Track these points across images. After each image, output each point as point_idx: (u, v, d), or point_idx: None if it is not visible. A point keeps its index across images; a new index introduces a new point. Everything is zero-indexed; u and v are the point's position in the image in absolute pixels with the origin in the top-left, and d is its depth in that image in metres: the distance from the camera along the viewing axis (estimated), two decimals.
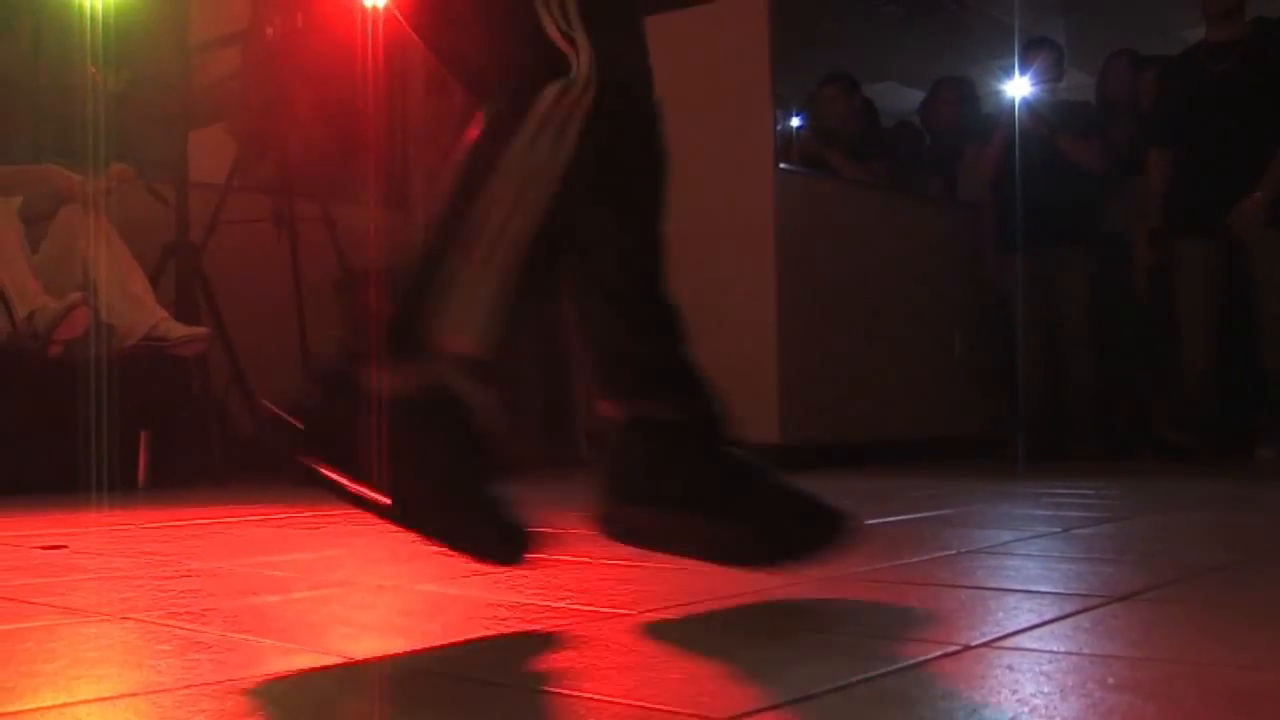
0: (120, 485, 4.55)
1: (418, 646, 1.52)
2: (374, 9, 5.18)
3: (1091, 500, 3.65)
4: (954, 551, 2.44)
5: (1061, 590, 1.93)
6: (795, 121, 7.34)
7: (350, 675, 1.37)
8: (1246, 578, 2.18)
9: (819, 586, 2.06)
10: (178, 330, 4.99)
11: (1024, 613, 1.71)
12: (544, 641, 1.53)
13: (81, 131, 5.54)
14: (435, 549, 1.61)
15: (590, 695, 1.23)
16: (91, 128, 5.49)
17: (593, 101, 1.73)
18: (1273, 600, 1.91)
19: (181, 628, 1.64)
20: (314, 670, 1.39)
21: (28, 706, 1.23)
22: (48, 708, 1.22)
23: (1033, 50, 6.37)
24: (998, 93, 7.06)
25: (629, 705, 1.19)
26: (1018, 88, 6.30)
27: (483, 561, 1.69)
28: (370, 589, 2.05)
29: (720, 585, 2.08)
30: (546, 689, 1.26)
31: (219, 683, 1.31)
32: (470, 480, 1.59)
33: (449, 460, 1.55)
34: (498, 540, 1.65)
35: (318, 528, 3.05)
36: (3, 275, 4.76)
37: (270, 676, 1.36)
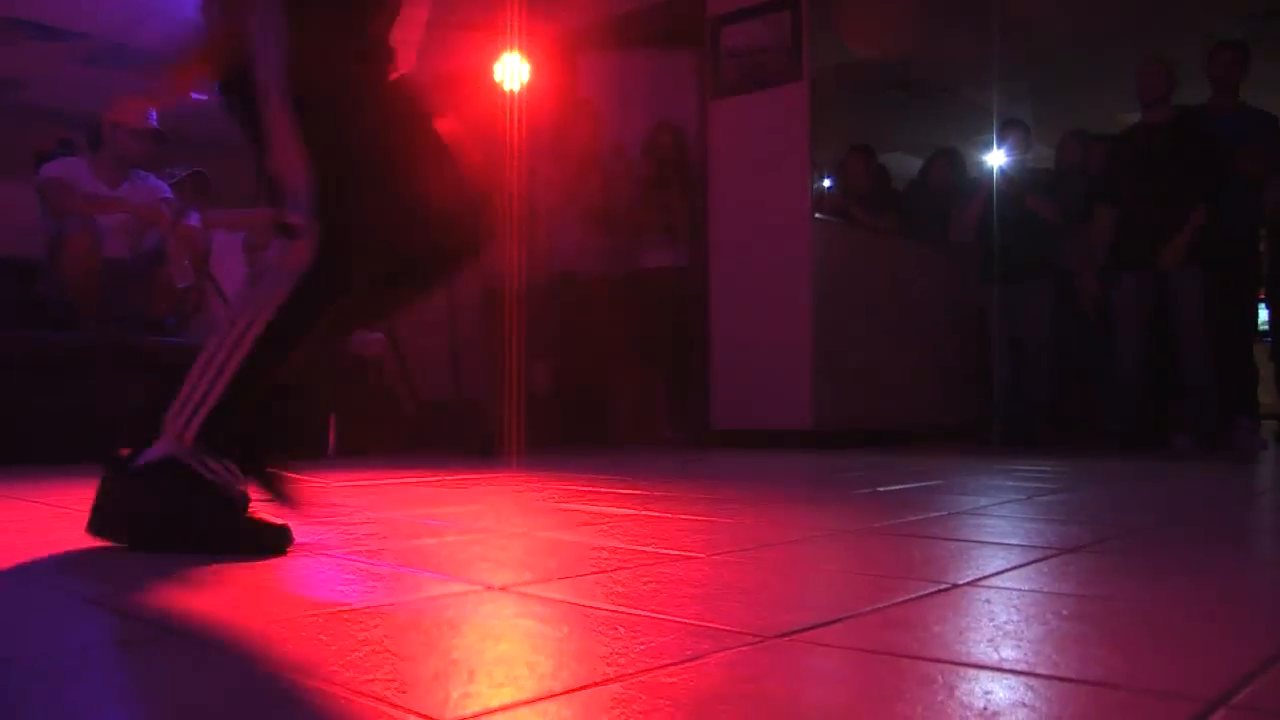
0: (315, 455, 4.60)
1: (540, 578, 1.54)
2: (511, 93, 5.22)
3: (1049, 475, 3.61)
4: (944, 512, 2.42)
5: (1026, 543, 1.91)
6: (826, 182, 7.31)
7: (490, 598, 1.39)
8: (1168, 534, 2.15)
9: (842, 537, 2.06)
10: (361, 335, 5.04)
11: (997, 560, 1.70)
12: (633, 575, 1.54)
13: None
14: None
15: (667, 617, 1.24)
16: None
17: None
18: (1189, 552, 1.89)
19: (362, 562, 1.66)
20: (463, 594, 1.41)
21: (242, 619, 1.26)
22: (252, 622, 1.25)
23: (1006, 129, 6.32)
24: (980, 161, 7.02)
25: (697, 625, 1.20)
26: (995, 158, 6.27)
27: (255, 555, 1.70)
28: (505, 535, 2.06)
29: (768, 534, 2.08)
30: (633, 611, 1.28)
31: (391, 603, 1.33)
32: (205, 511, 1.74)
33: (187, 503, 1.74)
34: (245, 540, 1.74)
35: (465, 488, 3.08)
36: (229, 289, 4.84)
37: (430, 598, 1.38)
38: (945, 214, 6.93)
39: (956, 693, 0.94)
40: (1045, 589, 1.45)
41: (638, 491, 2.93)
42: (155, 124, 4.77)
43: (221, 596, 1.38)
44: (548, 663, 1.04)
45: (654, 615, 1.25)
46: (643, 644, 1.10)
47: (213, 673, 1.00)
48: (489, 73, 5.54)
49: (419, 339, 5.56)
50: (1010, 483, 3.26)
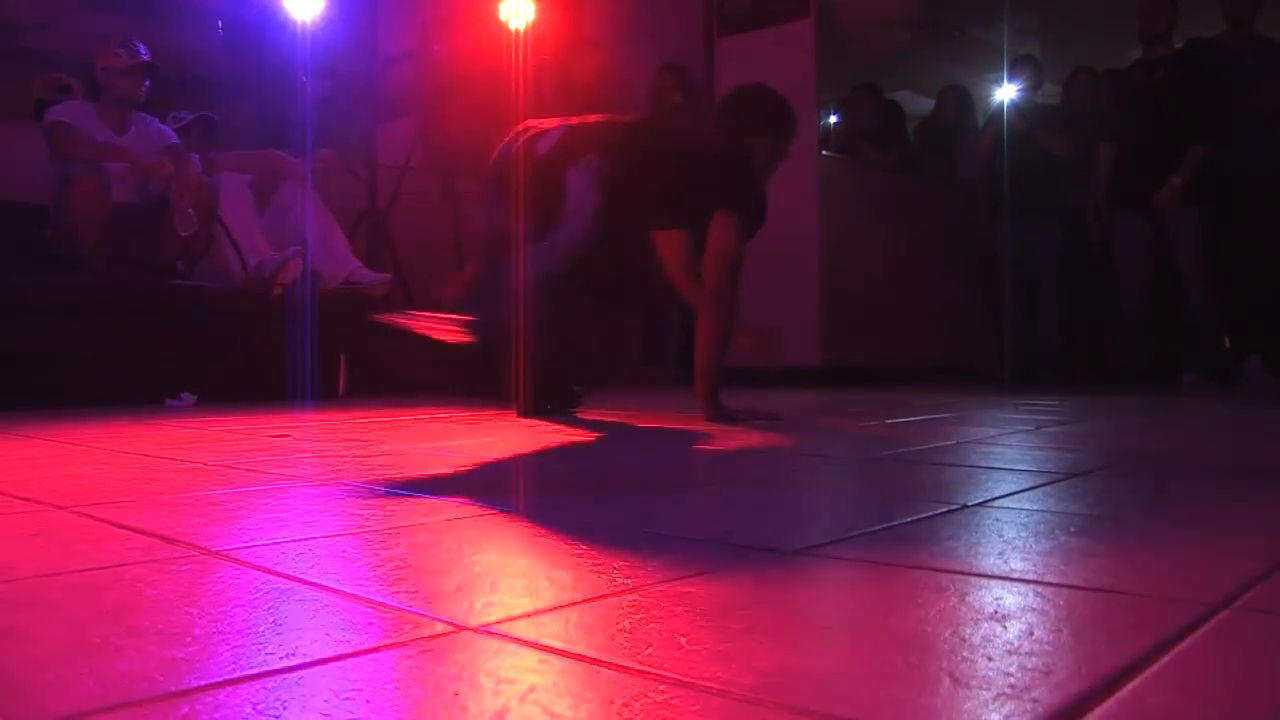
0: (325, 395, 4.64)
1: (554, 501, 1.57)
2: (517, 32, 5.19)
3: (1056, 409, 3.64)
4: (954, 441, 2.45)
5: (1033, 469, 1.94)
6: (832, 119, 7.27)
7: (507, 519, 1.42)
8: (1171, 462, 2.18)
9: (853, 464, 2.09)
10: (368, 276, 5.05)
11: (1006, 483, 1.73)
12: (647, 499, 1.57)
13: (296, 125, 5.62)
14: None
15: (684, 535, 1.27)
16: (303, 122, 5.57)
17: None
18: (1193, 478, 1.92)
19: (380, 489, 1.69)
20: (481, 515, 1.45)
21: (279, 539, 1.29)
22: (288, 541, 1.28)
23: (1018, 65, 6.28)
24: (989, 98, 6.97)
25: (713, 542, 1.24)
26: (1005, 93, 6.23)
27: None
28: (520, 464, 2.09)
29: (781, 460, 2.11)
30: (649, 529, 1.31)
31: (411, 525, 1.37)
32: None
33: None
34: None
35: (475, 423, 3.11)
36: (238, 234, 4.84)
37: (448, 520, 1.41)
38: (954, 151, 6.91)
39: (968, 599, 0.97)
40: (1053, 509, 1.48)
41: (649, 425, 2.97)
42: (146, 58, 4.76)
43: (240, 521, 1.42)
44: (566, 575, 1.07)
45: (671, 533, 1.28)
46: (660, 558, 1.13)
47: (234, 586, 1.03)
48: (494, 11, 5.52)
49: (426, 278, 5.57)
50: (1019, 415, 3.29)
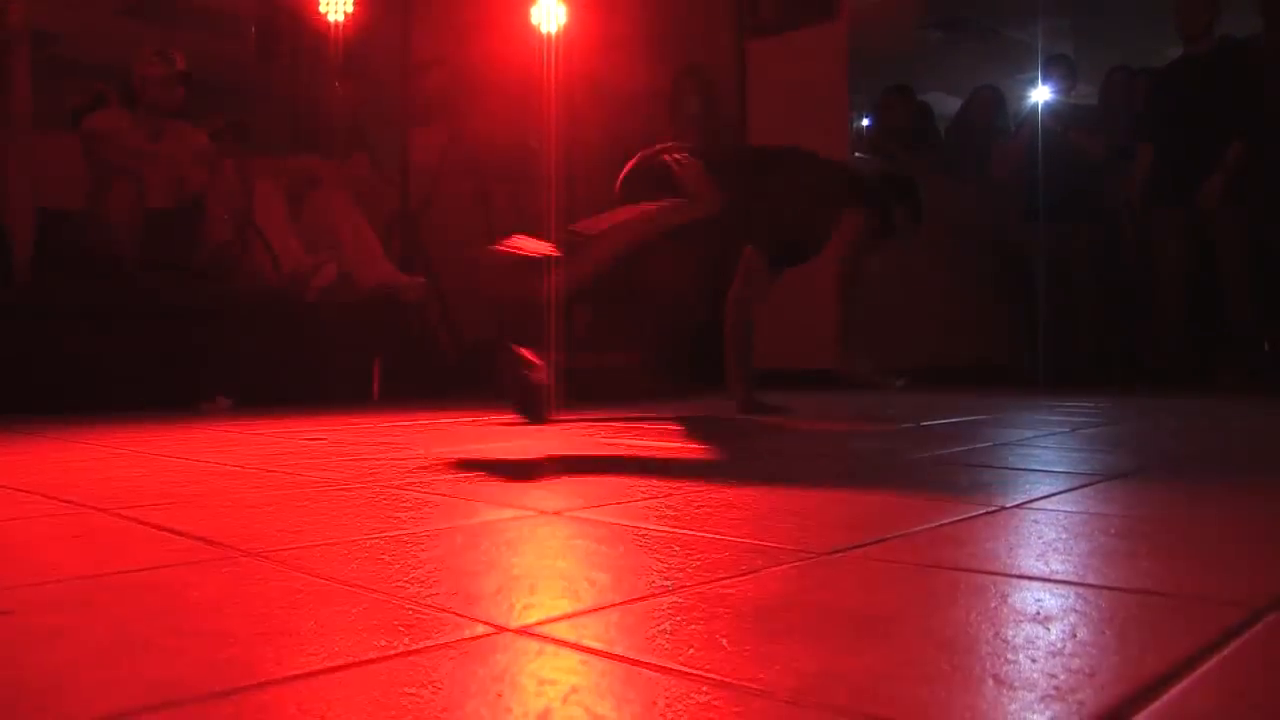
0: (359, 398, 4.66)
1: (593, 504, 1.57)
2: (548, 36, 5.21)
3: (1092, 411, 3.61)
4: (990, 444, 2.44)
5: (1071, 470, 1.93)
6: (865, 121, 7.26)
7: (545, 521, 1.43)
8: (1209, 464, 2.16)
9: (889, 466, 2.08)
10: (402, 280, 5.07)
11: (1044, 485, 1.71)
12: (684, 500, 1.57)
13: (329, 130, 5.65)
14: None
15: (721, 537, 1.27)
16: (336, 127, 5.60)
17: None
18: (1233, 479, 1.90)
19: (416, 492, 1.70)
20: (518, 519, 1.45)
21: (317, 541, 1.30)
22: (319, 544, 1.29)
23: (1052, 65, 6.24)
24: (1023, 98, 6.93)
25: (751, 543, 1.23)
26: (1039, 94, 6.19)
27: None
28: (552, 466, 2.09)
29: (814, 463, 2.11)
30: (686, 531, 1.31)
31: (448, 528, 1.37)
32: None
33: None
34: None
35: (509, 427, 3.12)
36: (273, 238, 4.88)
37: (486, 523, 1.42)
38: (987, 152, 6.87)
39: (1009, 600, 0.96)
40: (1092, 510, 1.46)
41: (679, 426, 2.96)
42: (181, 67, 4.81)
43: (278, 523, 1.42)
44: (605, 577, 1.07)
45: (707, 535, 1.27)
46: (698, 560, 1.13)
47: (275, 587, 1.04)
48: (525, 16, 5.53)
49: (460, 283, 5.59)
50: (1055, 417, 3.26)
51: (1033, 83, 6.41)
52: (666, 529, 1.32)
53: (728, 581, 1.03)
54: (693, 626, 0.87)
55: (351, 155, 5.43)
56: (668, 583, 1.03)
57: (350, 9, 5.26)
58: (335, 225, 4.91)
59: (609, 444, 2.55)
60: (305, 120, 5.93)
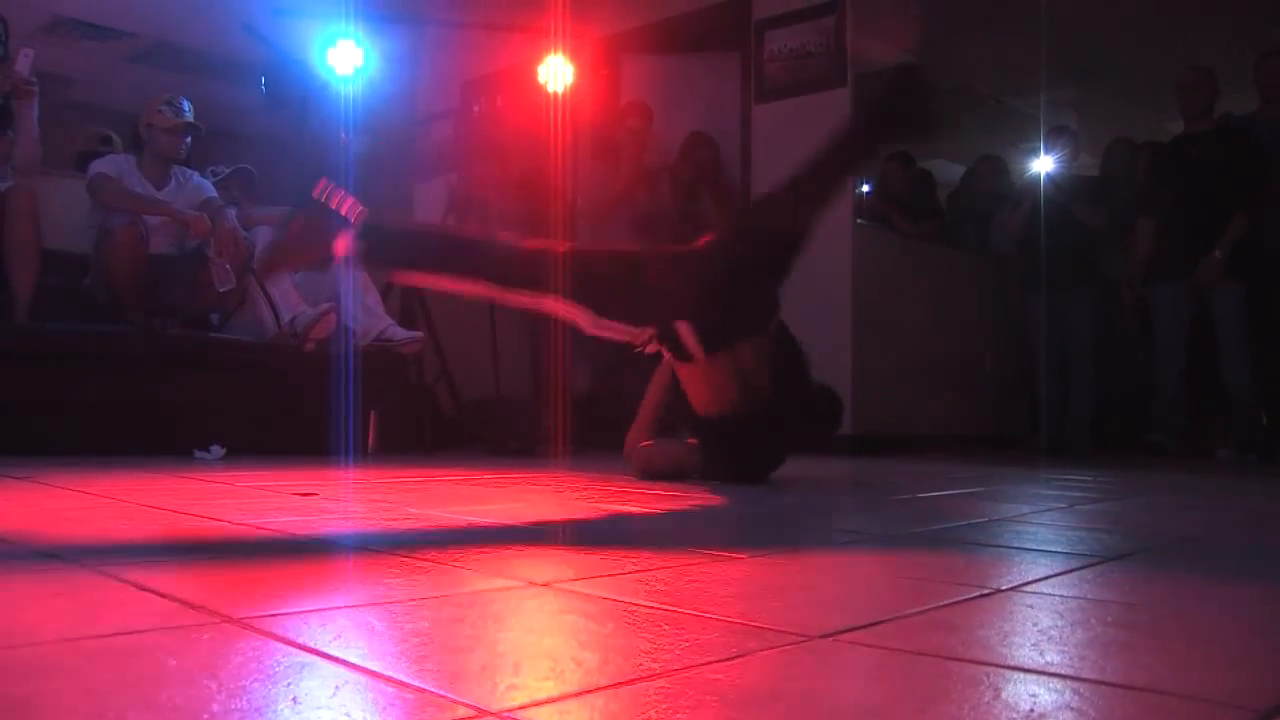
0: (354, 451, 4.64)
1: (582, 575, 1.55)
2: (555, 95, 5.25)
3: (1090, 484, 3.59)
4: (985, 519, 2.42)
5: (1068, 550, 1.91)
6: (865, 187, 7.31)
7: (533, 593, 1.40)
8: (1214, 546, 2.14)
9: (883, 542, 2.06)
10: (401, 334, 5.07)
11: (1040, 566, 1.69)
12: (674, 574, 1.55)
13: (334, 182, 5.67)
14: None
15: (710, 615, 1.25)
16: (341, 179, 5.62)
17: None
18: (1235, 563, 1.88)
19: (405, 557, 1.68)
20: (506, 590, 1.43)
21: (302, 608, 1.28)
22: (311, 610, 1.27)
23: (1054, 135, 6.29)
24: (1025, 168, 6.98)
25: (740, 624, 1.21)
26: (1042, 164, 6.24)
27: None
28: (545, 534, 2.07)
29: (809, 537, 2.09)
30: (676, 608, 1.29)
31: (436, 596, 1.35)
32: None
33: None
34: None
35: (505, 487, 3.10)
36: (273, 289, 4.89)
37: (474, 593, 1.40)
38: (988, 221, 6.91)
39: (1002, 694, 0.94)
40: (1089, 595, 1.45)
41: (676, 492, 2.94)
42: (189, 117, 4.84)
43: (263, 586, 1.40)
44: (592, 657, 1.05)
45: (697, 613, 1.25)
46: (687, 640, 1.11)
47: (255, 658, 1.02)
48: (533, 74, 5.57)
49: (460, 338, 5.59)
50: (1052, 491, 3.24)
51: (1035, 152, 6.46)
52: (656, 605, 1.30)
53: (716, 666, 1.01)
54: (679, 715, 0.85)
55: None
56: (656, 665, 1.01)
57: (361, 62, 5.30)
58: (336, 278, 4.91)
59: (603, 507, 2.53)
60: (311, 172, 5.95)
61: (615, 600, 1.34)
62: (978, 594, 1.42)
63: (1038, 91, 7.51)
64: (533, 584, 1.45)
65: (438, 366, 5.52)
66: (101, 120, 6.13)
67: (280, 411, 4.62)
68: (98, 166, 4.70)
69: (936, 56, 7.64)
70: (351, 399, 4.58)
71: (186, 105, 4.88)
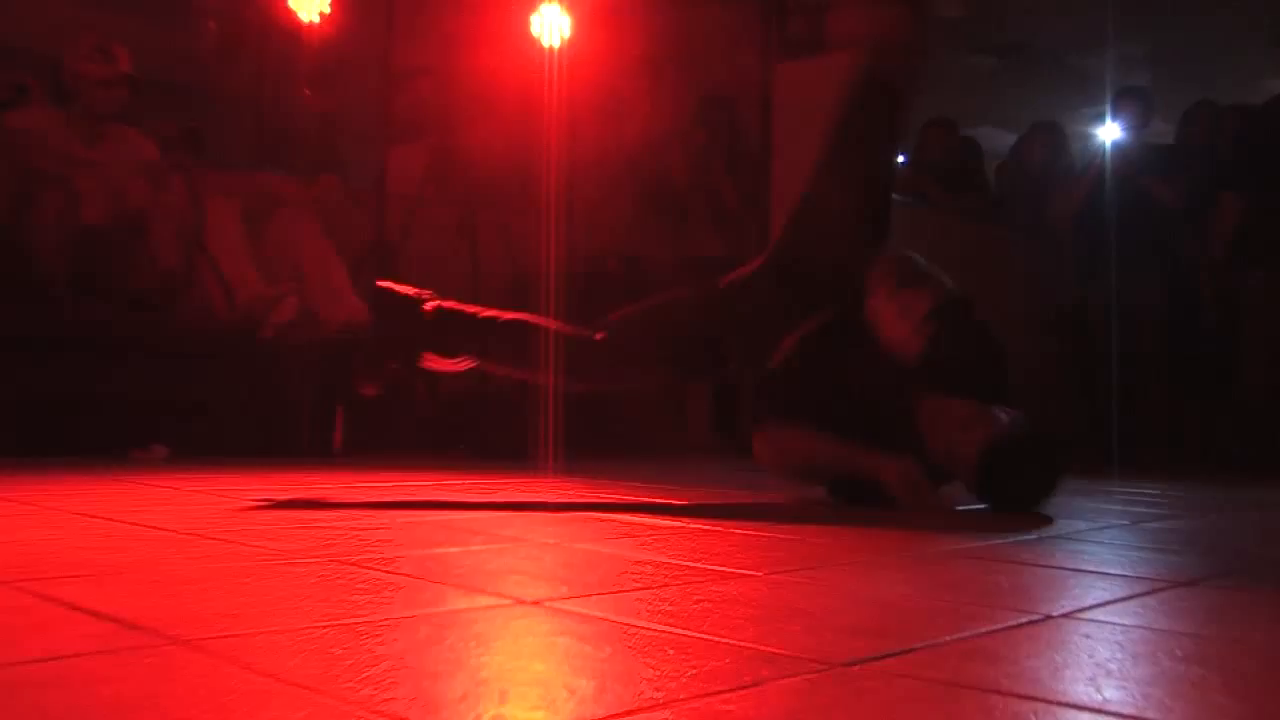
0: (318, 452, 4.64)
1: (578, 593, 1.56)
2: (551, 49, 5.25)
3: (1157, 499, 3.60)
4: (1035, 536, 2.42)
5: (1130, 574, 1.92)
6: (900, 158, 7.30)
7: (522, 613, 1.41)
8: None
9: (917, 559, 2.07)
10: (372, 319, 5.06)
11: (1098, 590, 1.70)
12: (681, 593, 1.55)
13: (296, 145, 5.65)
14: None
15: (721, 639, 1.26)
16: (304, 142, 5.60)
17: None
18: None
19: (376, 571, 1.69)
20: (491, 608, 1.44)
21: (258, 628, 1.29)
22: (259, 632, 1.27)
23: (1123, 98, 6.27)
24: (1086, 136, 6.95)
25: (754, 649, 1.22)
26: (1107, 131, 6.21)
27: None
28: (537, 545, 2.08)
29: (833, 552, 2.10)
30: (682, 631, 1.30)
31: (410, 616, 1.36)
32: None
33: None
34: None
35: (489, 492, 3.10)
36: (226, 265, 4.87)
37: (454, 611, 1.41)
38: (1042, 196, 6.88)
39: None
40: (1154, 625, 1.45)
41: (683, 501, 2.95)
42: (126, 68, 4.82)
43: (212, 604, 1.41)
44: (588, 685, 1.06)
45: (706, 637, 1.26)
46: (694, 667, 1.12)
47: (203, 685, 1.03)
48: (525, 25, 5.57)
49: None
50: (1111, 506, 3.25)
51: (1100, 118, 6.43)
52: (661, 627, 1.31)
53: (727, 695, 1.02)
54: None
55: (320, 175, 5.43)
56: (659, 694, 1.02)
57: (327, 9, 5.29)
58: (299, 254, 4.91)
59: (601, 517, 2.54)
60: (269, 132, 5.95)
61: (614, 621, 1.35)
62: (1025, 620, 1.43)
63: (1105, 47, 7.49)
64: (521, 602, 1.46)
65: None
66: (15, 64, 6.08)
67: (234, 406, 4.62)
68: (13, 120, 4.68)
69: (989, 6, 7.65)
70: (314, 392, 4.58)
71: (122, 53, 4.86)
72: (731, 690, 1.04)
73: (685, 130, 6.03)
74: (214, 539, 1.99)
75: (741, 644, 1.24)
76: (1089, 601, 1.59)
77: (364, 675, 1.07)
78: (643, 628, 1.31)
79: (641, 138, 5.95)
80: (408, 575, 1.65)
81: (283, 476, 3.52)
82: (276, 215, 5.09)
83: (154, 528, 2.12)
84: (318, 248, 5.03)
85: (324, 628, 1.28)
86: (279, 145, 5.77)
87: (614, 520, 2.51)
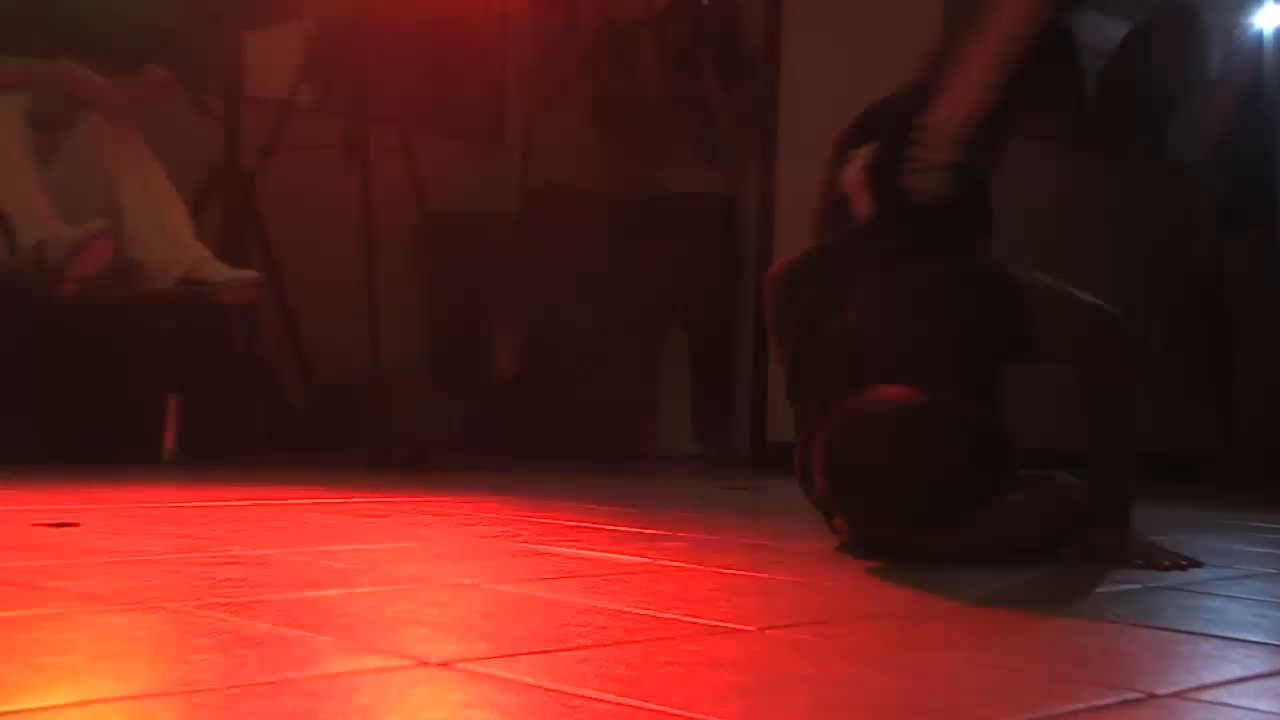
0: (142, 457, 4.60)
1: (502, 651, 1.56)
2: None
3: None
4: (1138, 585, 2.43)
5: (1271, 640, 1.93)
6: None
7: (424, 678, 1.42)
8: None
9: (966, 612, 2.08)
10: (221, 273, 4.93)
11: (1225, 662, 1.71)
12: (644, 652, 1.56)
13: (108, 23, 5.54)
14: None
15: (697, 717, 1.27)
16: (121, 19, 5.50)
17: None
18: None
19: (224, 620, 1.69)
20: (382, 670, 1.44)
21: (38, 704, 1.27)
22: (62, 706, 1.25)
23: None
24: (1235, 24, 6.90)
25: None
26: (1266, 19, 6.16)
27: None
28: (447, 587, 2.09)
29: (853, 602, 2.11)
30: (644, 705, 1.30)
31: (270, 683, 1.36)
32: None
33: None
34: None
35: (383, 515, 3.10)
36: (4, 196, 4.72)
37: (331, 675, 1.41)
38: (1166, 116, 6.87)
39: None
40: None
41: (650, 530, 2.96)
42: None
43: (7, 669, 1.42)
44: None
45: (676, 713, 1.27)
46: None
47: None
48: None
49: (318, 284, 5.53)
50: (1251, 548, 3.27)
51: (1251, 2, 6.40)
52: (615, 698, 1.32)
53: None
54: None
55: (143, 66, 5.32)
56: None
57: None
58: (112, 179, 4.83)
59: (537, 549, 2.55)
60: (67, 6, 5.87)
61: (549, 690, 1.36)
62: (1118, 700, 1.44)
63: None
64: (424, 663, 1.47)
65: (280, 327, 5.48)
66: None
67: (20, 392, 4.57)
68: None
69: None
70: (136, 375, 4.54)
71: None
72: None
73: (659, 19, 6.00)
74: None
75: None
76: (1210, 678, 1.60)
77: None
78: (590, 699, 1.32)
79: (596, 30, 5.93)
80: (269, 625, 1.65)
81: (87, 492, 3.51)
82: (79, 123, 4.98)
83: None
84: (142, 171, 4.92)
85: (153, 698, 1.29)
86: (82, 23, 5.67)
87: (555, 554, 2.52)
